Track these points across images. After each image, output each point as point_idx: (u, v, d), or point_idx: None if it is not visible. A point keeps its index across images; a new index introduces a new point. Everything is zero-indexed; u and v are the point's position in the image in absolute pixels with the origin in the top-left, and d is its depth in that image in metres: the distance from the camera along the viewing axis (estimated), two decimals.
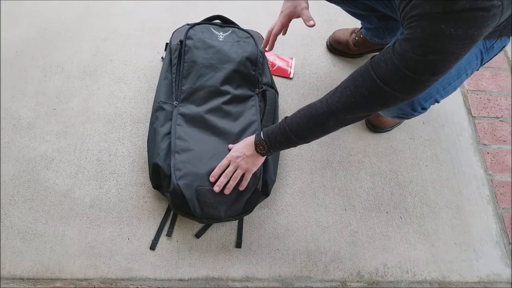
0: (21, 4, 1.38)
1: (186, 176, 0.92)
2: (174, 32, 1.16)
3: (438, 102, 0.91)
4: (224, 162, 0.91)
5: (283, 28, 0.97)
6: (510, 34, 0.80)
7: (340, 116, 0.74)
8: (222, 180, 0.90)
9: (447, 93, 0.90)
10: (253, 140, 0.88)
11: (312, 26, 0.92)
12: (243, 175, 0.91)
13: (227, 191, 0.91)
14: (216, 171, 0.91)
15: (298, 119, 0.79)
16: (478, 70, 0.91)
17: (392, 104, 0.70)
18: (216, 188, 0.90)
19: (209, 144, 0.97)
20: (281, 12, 0.96)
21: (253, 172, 0.91)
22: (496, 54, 0.89)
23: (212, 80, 1.05)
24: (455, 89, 0.90)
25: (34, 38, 1.31)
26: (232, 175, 0.90)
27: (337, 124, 0.77)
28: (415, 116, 0.95)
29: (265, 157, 0.90)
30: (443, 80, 0.84)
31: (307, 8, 0.94)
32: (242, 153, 0.89)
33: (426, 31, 0.59)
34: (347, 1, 1.04)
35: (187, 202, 0.91)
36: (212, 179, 0.92)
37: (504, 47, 0.87)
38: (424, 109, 0.92)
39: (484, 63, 0.89)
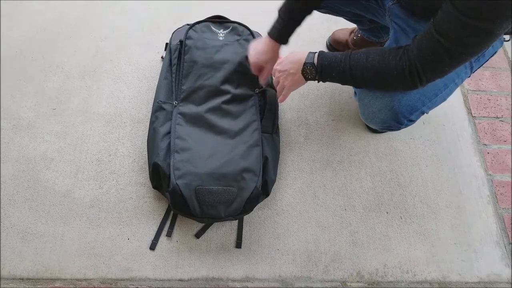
0: (21, 4, 1.38)
1: (185, 175, 0.92)
2: (174, 32, 1.16)
3: (426, 113, 0.89)
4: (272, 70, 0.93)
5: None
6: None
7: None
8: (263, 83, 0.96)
9: (434, 104, 0.88)
10: (303, 60, 0.81)
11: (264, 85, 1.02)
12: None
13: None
14: (264, 77, 0.99)
15: (364, 61, 0.76)
16: (469, 77, 0.90)
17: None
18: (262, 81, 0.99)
19: (209, 143, 0.97)
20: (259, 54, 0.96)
21: (290, 90, 0.88)
22: (487, 61, 0.88)
23: (212, 80, 1.05)
24: (443, 99, 0.88)
25: (34, 38, 1.31)
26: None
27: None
28: (404, 127, 0.91)
29: (306, 81, 0.84)
30: (429, 92, 0.83)
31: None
32: (285, 70, 0.85)
33: None
34: (332, 13, 1.07)
35: (186, 202, 0.91)
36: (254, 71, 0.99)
37: (495, 53, 0.86)
38: (412, 121, 0.90)
39: (475, 71, 0.88)
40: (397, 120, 0.87)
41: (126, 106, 1.19)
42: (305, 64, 0.81)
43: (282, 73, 0.86)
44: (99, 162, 1.10)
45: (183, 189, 0.90)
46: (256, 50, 0.96)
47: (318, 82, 0.85)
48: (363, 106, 0.91)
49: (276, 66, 0.88)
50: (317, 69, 0.80)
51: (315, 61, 0.80)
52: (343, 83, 0.82)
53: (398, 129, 0.91)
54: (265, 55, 0.94)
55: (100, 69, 1.26)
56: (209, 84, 1.04)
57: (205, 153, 0.95)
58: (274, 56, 0.96)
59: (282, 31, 0.93)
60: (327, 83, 0.86)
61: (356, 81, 0.80)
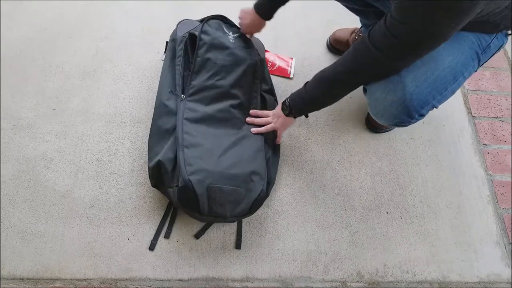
0: (21, 4, 1.39)
1: (198, 172, 0.89)
2: (178, 24, 1.14)
3: (436, 107, 0.89)
4: (267, 112, 1.06)
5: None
6: (509, 28, 0.80)
7: (341, 77, 0.86)
8: (256, 120, 1.05)
9: (444, 98, 0.88)
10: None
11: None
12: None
13: (253, 130, 1.03)
14: (259, 113, 1.06)
15: (312, 82, 0.93)
16: (476, 71, 0.90)
17: (382, 68, 0.82)
18: (249, 119, 1.04)
19: (217, 143, 0.96)
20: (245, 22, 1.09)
21: (281, 131, 1.05)
22: (494, 54, 0.88)
23: (223, 81, 1.03)
24: (453, 93, 0.88)
25: (34, 38, 1.31)
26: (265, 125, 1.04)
27: (341, 86, 0.89)
28: (414, 122, 0.92)
29: (293, 119, 1.01)
30: (440, 86, 0.84)
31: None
32: (276, 113, 1.03)
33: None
34: (341, 1, 1.05)
35: (196, 198, 0.88)
36: (252, 112, 1.06)
37: (501, 46, 0.86)
38: (422, 115, 0.90)
39: (483, 64, 0.88)
40: (409, 115, 0.87)
41: (126, 106, 1.19)
42: (282, 103, 1.00)
43: (275, 117, 1.03)
44: (99, 162, 1.10)
45: (196, 186, 0.88)
46: (245, 23, 1.09)
47: (302, 116, 1.00)
48: (375, 101, 0.91)
49: (273, 111, 1.05)
50: (289, 103, 0.97)
51: (288, 98, 0.99)
52: (314, 104, 0.96)
53: (408, 124, 0.93)
54: (254, 28, 1.10)
55: (100, 69, 1.26)
56: (220, 85, 1.02)
57: (214, 152, 0.94)
58: (260, 27, 1.10)
59: (266, 8, 1.04)
60: None
61: (312, 95, 0.93)
